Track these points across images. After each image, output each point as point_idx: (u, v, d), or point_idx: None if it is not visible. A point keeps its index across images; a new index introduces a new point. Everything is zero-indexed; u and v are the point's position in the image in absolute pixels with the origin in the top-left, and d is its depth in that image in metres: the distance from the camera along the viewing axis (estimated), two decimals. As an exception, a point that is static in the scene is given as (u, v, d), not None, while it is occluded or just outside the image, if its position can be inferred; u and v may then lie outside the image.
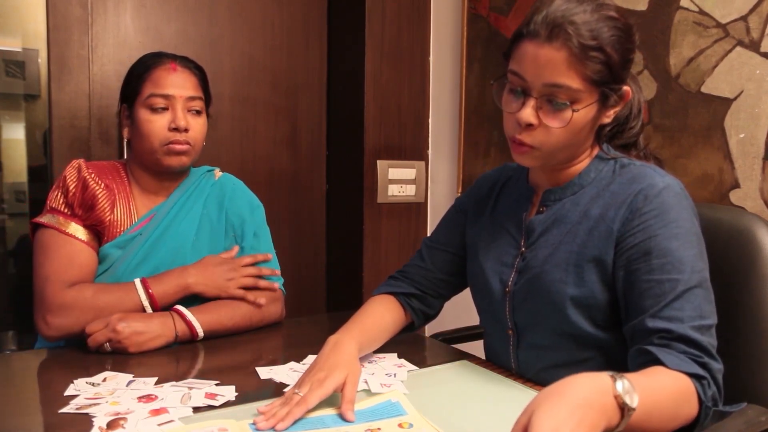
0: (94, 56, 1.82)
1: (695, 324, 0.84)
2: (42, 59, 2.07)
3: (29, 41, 2.07)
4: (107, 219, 1.26)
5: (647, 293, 0.87)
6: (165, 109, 1.27)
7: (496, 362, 1.12)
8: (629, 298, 0.90)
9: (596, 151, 1.01)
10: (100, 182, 1.26)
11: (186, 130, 1.28)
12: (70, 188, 1.24)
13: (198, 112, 1.32)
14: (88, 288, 1.18)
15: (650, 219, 0.89)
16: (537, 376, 1.02)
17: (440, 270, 1.20)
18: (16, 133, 2.13)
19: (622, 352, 0.92)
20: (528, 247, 1.02)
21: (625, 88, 0.94)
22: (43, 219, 1.23)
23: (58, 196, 1.24)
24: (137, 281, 1.20)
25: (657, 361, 0.83)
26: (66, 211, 1.23)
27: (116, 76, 1.84)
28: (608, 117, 0.96)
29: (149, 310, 1.19)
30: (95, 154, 1.82)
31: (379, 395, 0.93)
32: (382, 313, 1.14)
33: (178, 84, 1.28)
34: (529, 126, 0.92)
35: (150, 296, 1.19)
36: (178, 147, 1.28)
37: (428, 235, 1.28)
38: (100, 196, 1.25)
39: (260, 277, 1.33)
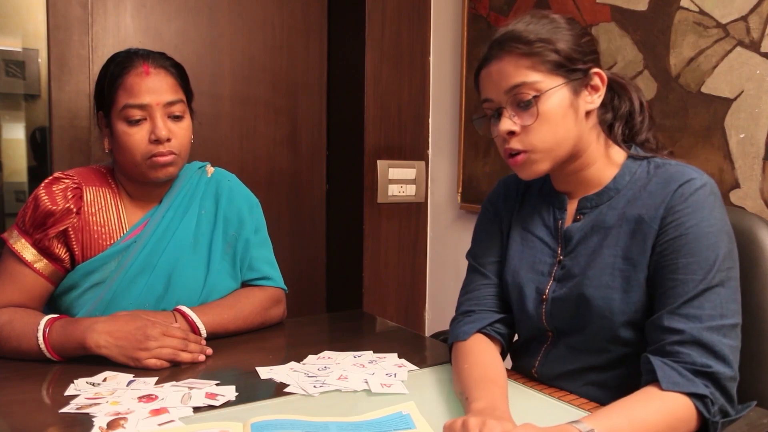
0: (94, 56, 1.82)
1: (713, 324, 0.84)
2: (42, 59, 2.07)
3: (29, 41, 2.07)
4: (73, 236, 1.19)
5: (670, 292, 0.87)
6: (143, 119, 1.18)
7: (517, 359, 1.11)
8: (655, 295, 0.90)
9: (610, 146, 1.01)
10: (60, 201, 1.18)
11: (168, 140, 1.19)
12: (28, 204, 1.18)
13: (179, 117, 1.22)
14: (6, 314, 1.12)
15: (683, 216, 0.89)
16: (562, 377, 1.01)
17: (503, 286, 1.14)
18: (16, 133, 2.13)
19: None
20: (566, 255, 1.01)
21: (594, 69, 0.96)
22: (6, 233, 1.20)
23: (21, 210, 1.20)
24: (42, 323, 1.08)
25: (655, 378, 0.83)
26: (21, 226, 1.18)
27: (116, 76, 1.84)
28: (591, 102, 0.97)
29: (50, 357, 1.08)
30: (95, 154, 1.82)
31: (391, 406, 0.90)
32: (493, 361, 1.01)
33: (153, 89, 1.18)
34: (512, 134, 0.96)
35: (47, 344, 1.07)
36: (162, 159, 1.19)
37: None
38: (57, 214, 1.17)
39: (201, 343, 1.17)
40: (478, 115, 1.03)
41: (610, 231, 0.96)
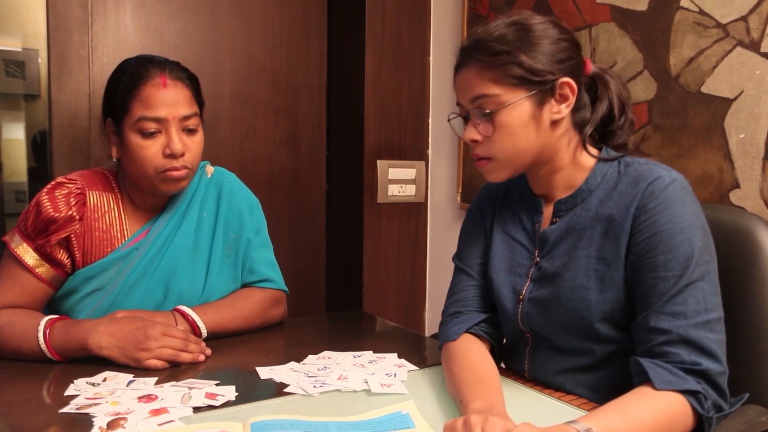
0: (94, 56, 1.82)
1: (699, 320, 0.84)
2: (42, 59, 2.07)
3: (29, 41, 2.07)
4: (75, 242, 1.19)
5: (651, 291, 0.88)
6: (158, 131, 1.16)
7: (509, 363, 1.12)
8: (636, 295, 0.91)
9: (580, 151, 1.01)
10: (62, 208, 1.17)
11: (182, 154, 1.18)
12: (30, 209, 1.18)
13: (193, 130, 1.21)
14: (6, 315, 1.12)
15: (656, 214, 0.90)
16: (553, 379, 1.02)
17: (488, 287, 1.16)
18: (16, 133, 2.13)
19: None
20: (543, 256, 1.02)
21: (563, 79, 0.95)
22: (7, 235, 1.20)
23: (23, 213, 1.19)
24: (42, 324, 1.08)
25: (648, 379, 0.83)
26: (22, 230, 1.18)
27: (116, 76, 1.84)
28: (558, 113, 0.97)
29: (49, 356, 1.07)
30: (95, 154, 1.82)
31: (390, 406, 0.90)
32: (484, 360, 1.01)
33: (169, 102, 1.16)
34: (475, 142, 0.99)
35: (47, 344, 1.07)
36: (176, 174, 1.18)
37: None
38: (59, 221, 1.17)
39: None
40: (454, 115, 1.05)
41: (583, 232, 0.97)
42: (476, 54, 0.96)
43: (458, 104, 1.02)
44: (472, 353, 1.02)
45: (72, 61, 1.79)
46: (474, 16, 2.00)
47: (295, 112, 2.20)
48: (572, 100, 0.97)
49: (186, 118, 1.18)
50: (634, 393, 0.83)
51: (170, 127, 1.17)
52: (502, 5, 1.90)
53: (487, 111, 0.96)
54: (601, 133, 1.04)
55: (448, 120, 1.08)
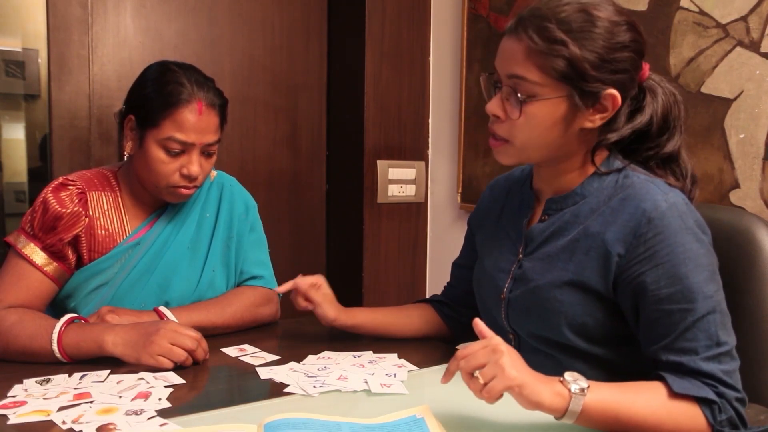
0: (94, 56, 1.82)
1: (709, 354, 0.82)
2: (42, 59, 2.07)
3: (29, 41, 2.07)
4: (84, 239, 1.21)
5: (657, 323, 0.85)
6: (181, 151, 1.19)
7: None
8: (641, 325, 0.89)
9: (588, 157, 0.96)
10: (68, 205, 1.19)
11: (197, 177, 1.22)
12: (36, 208, 1.19)
13: (211, 154, 1.24)
14: (15, 314, 1.11)
15: (656, 245, 0.86)
16: None
17: (461, 285, 1.24)
18: (16, 133, 2.13)
19: (620, 366, 0.91)
20: (526, 255, 1.01)
21: (609, 91, 0.88)
22: (11, 237, 1.20)
23: (27, 215, 1.20)
24: (59, 323, 1.07)
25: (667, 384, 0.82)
26: (28, 230, 1.19)
27: (116, 76, 1.84)
28: (591, 122, 0.91)
29: (59, 356, 1.05)
30: (95, 154, 1.82)
31: (404, 410, 0.88)
32: (409, 310, 1.28)
33: (200, 129, 1.18)
34: (498, 118, 0.93)
35: (59, 344, 1.05)
36: (185, 192, 1.22)
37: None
38: (65, 217, 1.18)
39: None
40: (488, 73, 0.97)
41: (568, 242, 0.94)
42: (532, 30, 0.87)
43: (495, 68, 0.93)
44: (412, 305, 1.28)
45: (72, 61, 1.79)
46: (474, 16, 2.00)
47: (295, 112, 2.20)
48: (610, 113, 0.90)
49: (210, 144, 1.22)
50: (648, 383, 0.82)
51: (193, 151, 1.20)
52: (502, 5, 1.90)
53: (521, 94, 0.88)
54: (633, 145, 0.97)
55: (480, 76, 0.99)
